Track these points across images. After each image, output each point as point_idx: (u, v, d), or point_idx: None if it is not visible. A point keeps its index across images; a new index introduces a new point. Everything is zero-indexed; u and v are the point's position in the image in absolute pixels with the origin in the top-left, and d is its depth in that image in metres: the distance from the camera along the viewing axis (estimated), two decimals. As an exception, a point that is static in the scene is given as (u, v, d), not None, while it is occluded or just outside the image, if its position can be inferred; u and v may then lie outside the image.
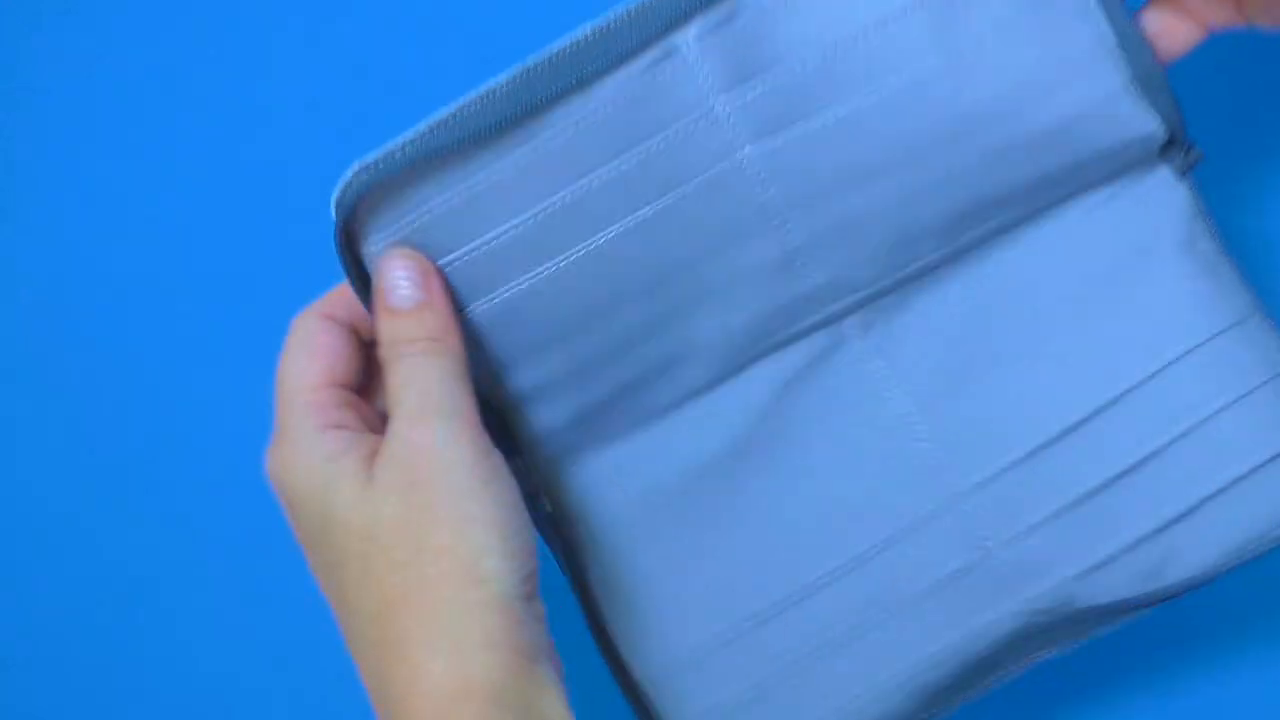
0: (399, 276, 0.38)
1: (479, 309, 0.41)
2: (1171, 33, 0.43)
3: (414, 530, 0.35)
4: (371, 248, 0.39)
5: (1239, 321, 0.43)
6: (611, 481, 0.44)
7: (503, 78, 0.39)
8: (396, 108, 0.56)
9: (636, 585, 0.44)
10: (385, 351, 0.39)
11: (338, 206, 0.38)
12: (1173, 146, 0.44)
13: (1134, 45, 0.42)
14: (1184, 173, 0.44)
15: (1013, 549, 0.43)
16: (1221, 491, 0.42)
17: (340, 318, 0.40)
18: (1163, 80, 0.42)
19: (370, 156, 0.38)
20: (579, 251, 0.40)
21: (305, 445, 0.38)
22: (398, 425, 0.37)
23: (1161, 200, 0.44)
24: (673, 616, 0.43)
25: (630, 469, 0.44)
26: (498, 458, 0.38)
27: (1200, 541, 0.42)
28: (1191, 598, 0.45)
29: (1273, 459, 0.42)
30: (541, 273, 0.40)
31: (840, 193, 0.41)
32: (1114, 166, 0.43)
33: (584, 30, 0.39)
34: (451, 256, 0.40)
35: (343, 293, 0.41)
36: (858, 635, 0.43)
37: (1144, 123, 0.42)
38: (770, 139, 0.41)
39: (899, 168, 0.41)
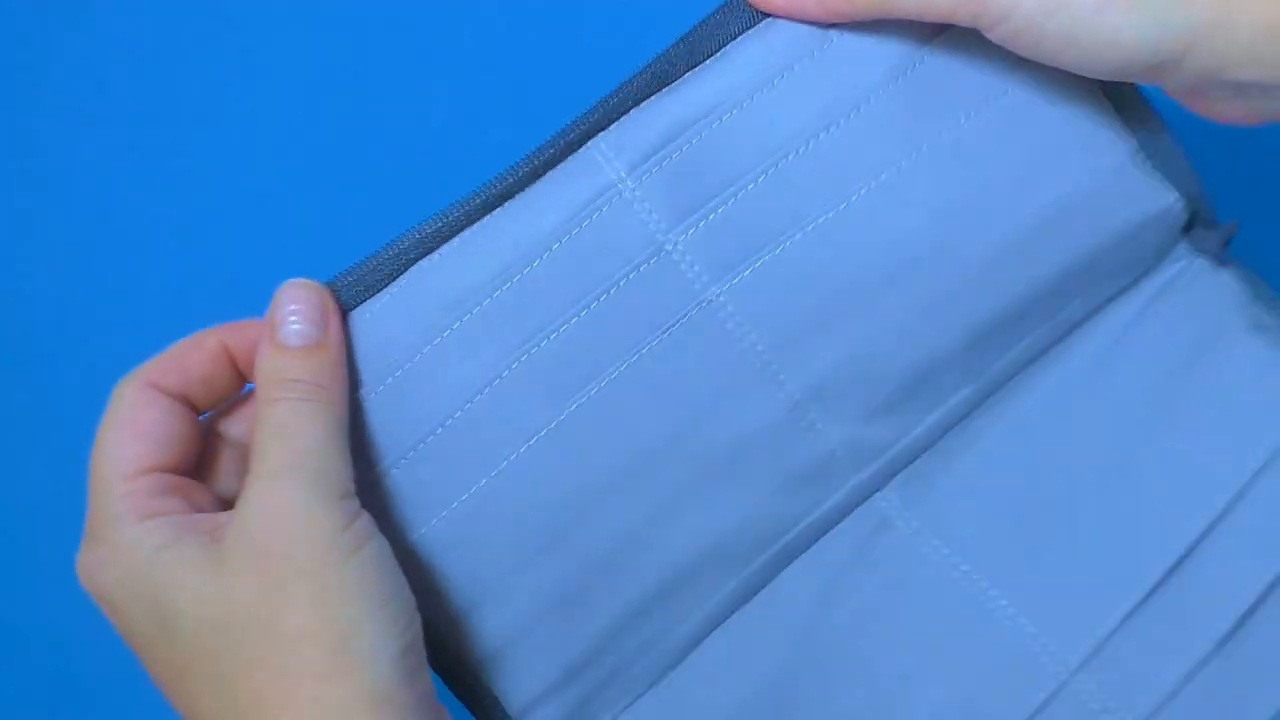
0: (295, 310, 0.34)
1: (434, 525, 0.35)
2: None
3: (269, 613, 0.30)
4: None
5: None
6: None
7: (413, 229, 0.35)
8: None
9: None
10: (261, 392, 0.34)
11: None
12: (1199, 223, 0.39)
13: (1137, 113, 0.37)
14: (1221, 250, 0.39)
15: None
16: None
17: (171, 386, 0.35)
18: (1173, 148, 0.37)
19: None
20: (540, 431, 0.35)
21: (124, 541, 0.32)
22: (254, 485, 0.32)
23: (1206, 290, 0.38)
24: None
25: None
26: (366, 520, 0.33)
27: None
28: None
29: None
30: (496, 469, 0.35)
31: (829, 326, 0.36)
32: (1138, 257, 0.38)
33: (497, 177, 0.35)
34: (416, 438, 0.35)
35: (175, 356, 0.35)
36: None
37: (1159, 196, 0.37)
38: (737, 274, 0.35)
39: (890, 284, 0.36)
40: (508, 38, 0.56)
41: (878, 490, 0.38)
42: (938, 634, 0.36)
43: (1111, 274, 0.38)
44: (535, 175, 0.35)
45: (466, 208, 0.35)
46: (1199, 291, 0.39)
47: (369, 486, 0.35)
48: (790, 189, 0.36)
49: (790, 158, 0.35)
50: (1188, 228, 0.39)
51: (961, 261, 0.36)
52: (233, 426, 0.36)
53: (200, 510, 0.34)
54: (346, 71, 0.56)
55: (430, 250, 0.35)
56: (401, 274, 0.35)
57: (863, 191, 0.36)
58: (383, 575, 0.32)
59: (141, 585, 0.32)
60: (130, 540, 0.32)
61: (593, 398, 0.35)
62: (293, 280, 0.35)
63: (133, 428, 0.34)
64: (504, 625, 0.35)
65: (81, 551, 0.33)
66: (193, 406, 0.35)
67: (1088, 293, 0.38)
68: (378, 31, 0.56)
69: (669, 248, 0.35)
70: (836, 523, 0.37)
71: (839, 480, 0.37)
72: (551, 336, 0.35)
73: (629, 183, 0.35)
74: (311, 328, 0.34)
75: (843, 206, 0.35)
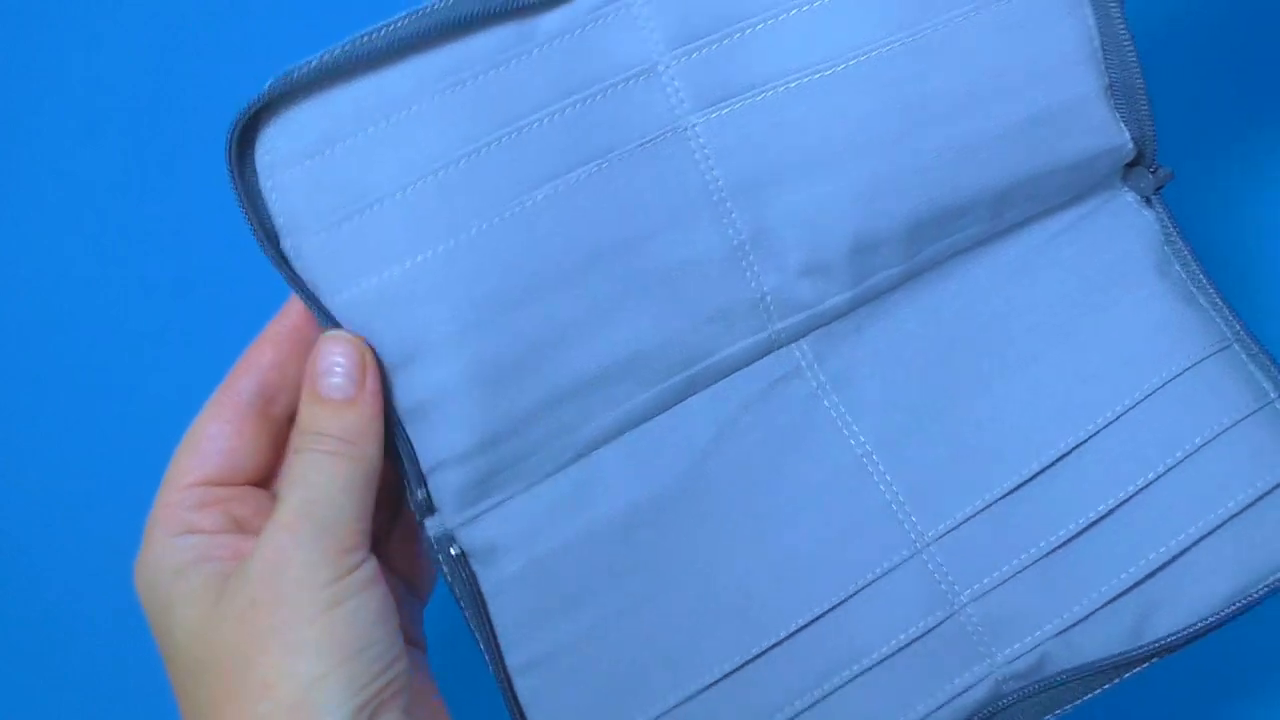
0: (335, 362, 0.36)
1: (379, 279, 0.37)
2: None
3: (244, 660, 0.33)
4: (266, 155, 0.36)
5: (1220, 349, 0.40)
6: (538, 527, 0.38)
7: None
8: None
9: (561, 654, 0.38)
10: (294, 439, 0.36)
11: (241, 111, 0.35)
12: (1140, 165, 0.41)
13: (1119, 51, 0.39)
14: (1152, 194, 0.41)
15: (984, 604, 0.38)
16: (1209, 535, 0.38)
17: (244, 391, 0.37)
18: (1142, 92, 0.40)
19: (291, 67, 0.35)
20: (505, 211, 0.36)
21: (152, 555, 0.35)
22: (265, 533, 0.34)
23: (1129, 224, 0.41)
24: (607, 691, 0.38)
25: (560, 513, 0.38)
26: (363, 572, 0.35)
27: (1187, 591, 0.38)
28: (1184, 657, 0.41)
29: (1262, 497, 0.38)
30: (461, 238, 0.36)
31: (792, 180, 0.38)
32: (1080, 182, 0.41)
33: None
34: (364, 200, 0.36)
35: (248, 358, 0.38)
36: (815, 709, 0.38)
37: (1114, 134, 0.40)
38: (716, 109, 0.37)
39: (856, 155, 0.38)
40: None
41: (794, 341, 0.40)
42: (815, 483, 0.39)
43: (1053, 192, 0.40)
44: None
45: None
46: (1121, 224, 0.41)
47: (330, 229, 0.36)
48: (787, 41, 0.37)
49: (794, 12, 0.37)
50: (1130, 165, 0.41)
51: (924, 150, 0.38)
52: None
53: (243, 524, 0.36)
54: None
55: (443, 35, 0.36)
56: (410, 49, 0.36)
57: (852, 62, 0.37)
58: (360, 628, 0.34)
59: (155, 600, 0.35)
60: (156, 555, 0.35)
61: (560, 190, 0.37)
62: (337, 332, 0.36)
63: (192, 439, 0.37)
64: (433, 384, 0.37)
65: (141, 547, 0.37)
66: (273, 405, 0.38)
67: (1026, 204, 0.40)
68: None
69: (661, 68, 0.37)
70: (750, 363, 0.40)
71: (761, 323, 0.39)
72: (534, 123, 0.36)
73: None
74: (348, 382, 0.36)
75: (830, 71, 0.37)
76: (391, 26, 0.35)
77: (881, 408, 0.39)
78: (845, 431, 0.39)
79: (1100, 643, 0.38)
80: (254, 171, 0.36)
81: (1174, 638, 0.37)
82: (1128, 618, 0.38)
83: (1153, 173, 0.41)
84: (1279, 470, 0.38)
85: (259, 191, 0.36)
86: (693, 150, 0.38)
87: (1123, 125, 0.40)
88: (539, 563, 0.37)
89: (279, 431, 0.38)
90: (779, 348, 0.40)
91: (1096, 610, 0.38)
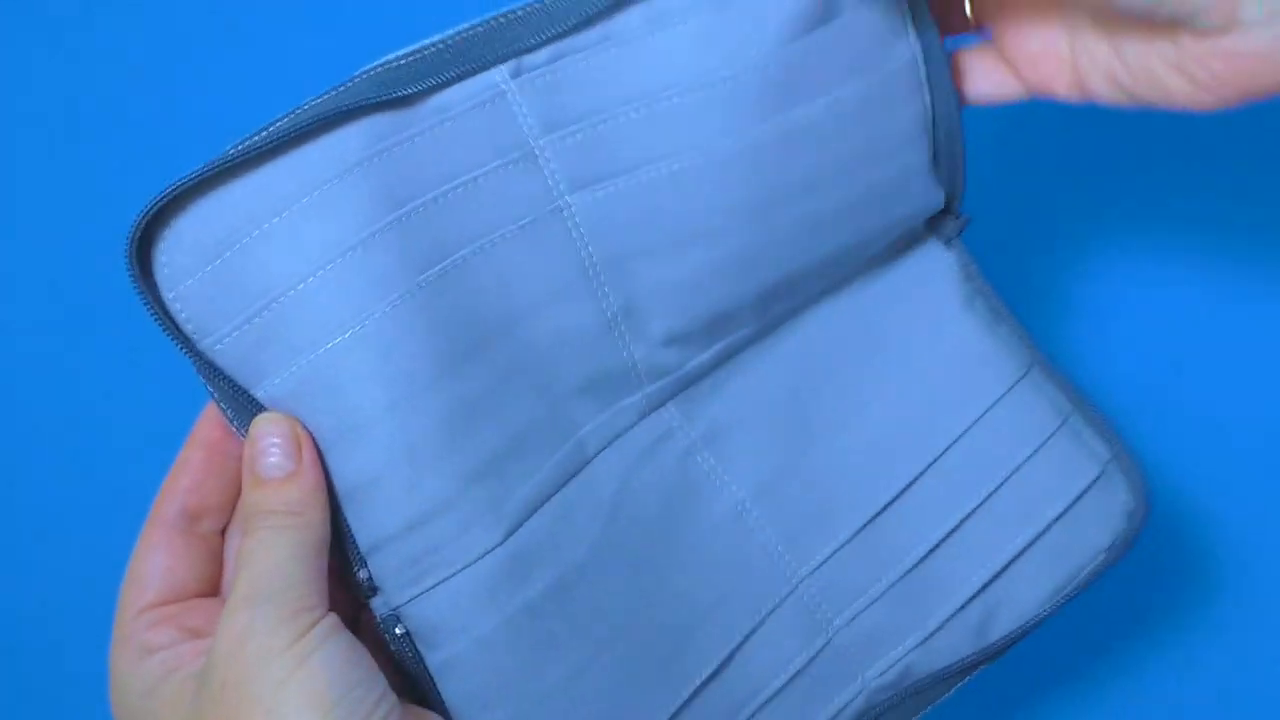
0: (271, 443, 0.37)
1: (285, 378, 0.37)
2: (994, 83, 0.45)
3: None
4: (164, 269, 0.36)
5: (1025, 373, 0.44)
6: (479, 606, 0.38)
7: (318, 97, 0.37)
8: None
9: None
10: (244, 524, 0.37)
11: (133, 226, 0.35)
12: (946, 215, 0.46)
13: (947, 122, 0.43)
14: (953, 238, 0.46)
15: (854, 628, 0.42)
16: (1036, 539, 0.42)
17: (171, 515, 0.39)
18: (961, 158, 0.44)
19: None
20: (402, 295, 0.37)
21: (122, 683, 0.37)
22: (223, 614, 0.35)
23: (936, 267, 0.45)
24: None
25: (498, 590, 0.38)
26: (321, 629, 0.35)
27: (1020, 592, 0.42)
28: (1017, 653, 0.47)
29: (1075, 501, 0.43)
30: (365, 324, 0.37)
31: (657, 256, 0.40)
32: (900, 239, 0.45)
33: (407, 51, 0.38)
34: (266, 297, 0.36)
35: (168, 485, 0.39)
36: None
37: (934, 197, 0.44)
38: (590, 190, 0.39)
39: (717, 234, 0.40)
40: None
41: (664, 404, 0.42)
42: (701, 535, 0.41)
43: (879, 251, 0.45)
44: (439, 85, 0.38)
45: (377, 91, 0.37)
46: (930, 268, 0.46)
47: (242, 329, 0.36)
48: (657, 128, 0.39)
49: (664, 102, 0.39)
50: (935, 219, 0.46)
51: (779, 226, 0.41)
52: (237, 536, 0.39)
53: (198, 631, 0.37)
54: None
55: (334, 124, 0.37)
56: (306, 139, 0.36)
57: (719, 147, 0.39)
58: (334, 676, 0.34)
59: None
60: (124, 683, 0.36)
61: (449, 271, 0.38)
62: (265, 414, 0.37)
63: (133, 572, 0.38)
64: (359, 467, 0.37)
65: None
66: (199, 523, 0.39)
67: (858, 260, 0.44)
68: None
69: (538, 151, 0.38)
70: (630, 427, 0.41)
71: (634, 388, 0.41)
72: (420, 208, 0.37)
73: (512, 85, 0.38)
74: (286, 459, 0.36)
75: (697, 155, 0.39)
76: (272, 127, 0.36)
77: (750, 457, 0.42)
78: (720, 484, 0.42)
79: (954, 647, 0.42)
80: (156, 285, 0.36)
81: (1012, 634, 0.42)
82: (974, 622, 0.42)
83: (956, 218, 0.46)
84: (1082, 479, 0.43)
85: (164, 303, 0.36)
86: (569, 229, 0.39)
87: (940, 187, 0.44)
88: (482, 642, 0.38)
89: (213, 545, 0.39)
90: (652, 411, 0.42)
91: (949, 620, 0.42)
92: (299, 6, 0.63)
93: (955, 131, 0.44)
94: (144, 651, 0.37)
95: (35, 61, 0.63)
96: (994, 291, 0.46)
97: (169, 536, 0.38)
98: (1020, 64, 0.44)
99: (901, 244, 0.46)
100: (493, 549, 0.38)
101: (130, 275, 0.36)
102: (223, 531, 0.40)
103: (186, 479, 0.39)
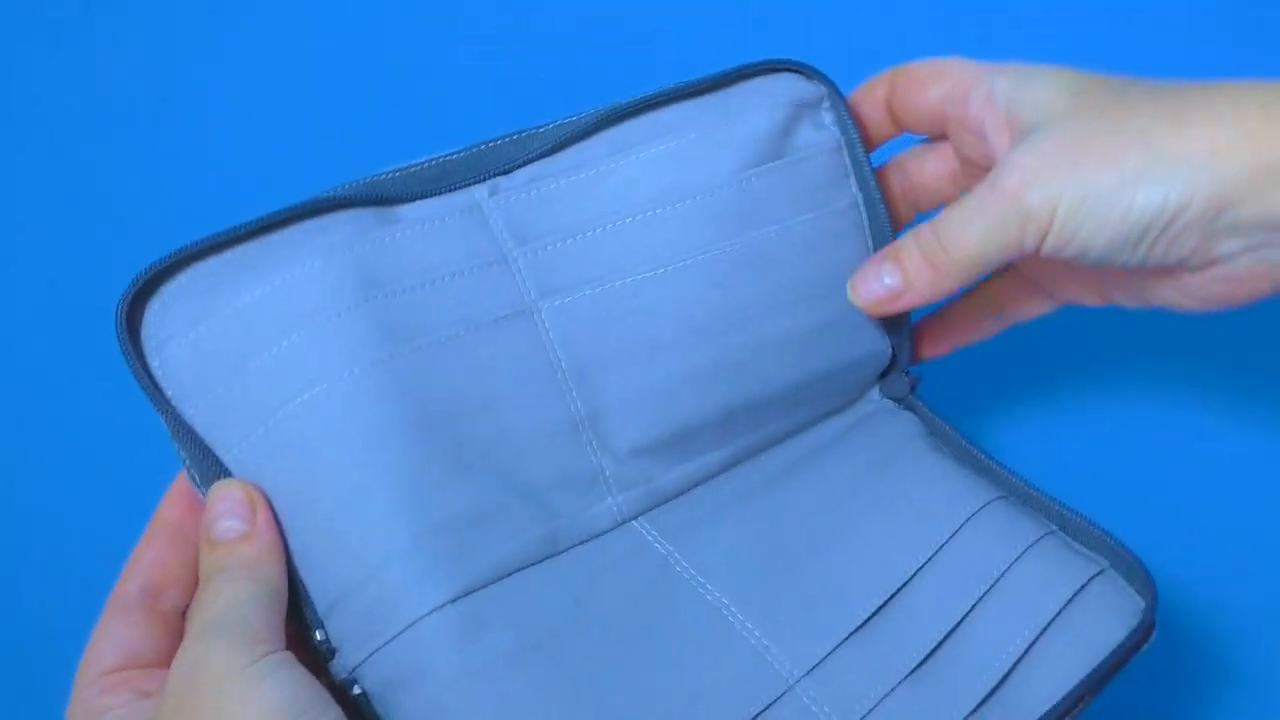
0: (225, 508, 0.38)
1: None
2: (1026, 303, 0.50)
3: None
4: (151, 336, 0.38)
5: (997, 498, 0.45)
6: (431, 661, 0.38)
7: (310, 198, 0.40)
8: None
9: None
10: (201, 575, 0.39)
11: (122, 296, 0.38)
12: (894, 370, 0.49)
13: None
14: (905, 395, 0.49)
15: None
16: (1039, 638, 0.41)
17: (132, 593, 0.40)
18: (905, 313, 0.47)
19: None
20: (373, 361, 0.39)
21: None
22: (179, 650, 0.36)
23: (895, 422, 0.48)
24: None
25: (450, 646, 0.38)
26: (275, 658, 0.36)
27: (1034, 691, 0.40)
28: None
29: (1070, 600, 0.42)
30: (333, 383, 0.38)
31: (622, 367, 0.43)
32: (851, 385, 0.48)
33: (395, 168, 0.42)
34: (242, 361, 0.38)
35: (133, 561, 0.40)
36: None
37: (879, 341, 0.47)
38: (560, 298, 0.42)
39: (679, 348, 0.43)
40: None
41: (637, 516, 0.43)
42: (682, 632, 0.41)
43: (833, 392, 0.47)
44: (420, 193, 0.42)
45: (367, 196, 0.41)
46: (887, 424, 0.48)
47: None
48: (622, 244, 0.43)
49: (629, 220, 0.43)
50: (884, 373, 0.49)
51: (739, 345, 0.44)
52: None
53: (152, 694, 0.38)
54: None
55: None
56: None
57: (680, 264, 0.43)
58: (291, 694, 0.35)
59: None
60: None
61: (423, 348, 0.40)
62: (222, 481, 0.39)
63: (94, 643, 0.39)
64: (316, 526, 0.39)
65: None
66: (160, 600, 0.40)
67: (815, 403, 0.47)
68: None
69: (511, 259, 0.42)
70: (602, 531, 0.42)
71: (602, 494, 0.43)
72: (399, 291, 0.40)
73: (489, 201, 0.42)
74: (240, 523, 0.38)
75: (660, 271, 0.43)
76: (264, 217, 0.39)
77: (729, 568, 0.42)
78: (699, 587, 0.42)
79: None
80: (143, 351, 0.38)
81: None
82: None
83: (906, 375, 0.49)
84: (1074, 581, 0.42)
85: (150, 369, 0.38)
86: (539, 332, 0.42)
87: (885, 335, 0.48)
88: (434, 701, 0.38)
89: (173, 623, 0.40)
90: (624, 522, 0.43)
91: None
92: (298, 7, 0.67)
93: None
94: (99, 712, 0.37)
95: (35, 61, 0.65)
96: (961, 437, 0.48)
97: (130, 611, 0.39)
98: (1049, 288, 0.49)
99: (853, 399, 0.49)
100: (443, 605, 0.38)
101: (119, 341, 0.38)
102: (184, 612, 0.40)
103: (149, 555, 0.40)
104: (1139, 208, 0.40)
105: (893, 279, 0.44)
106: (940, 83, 0.46)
